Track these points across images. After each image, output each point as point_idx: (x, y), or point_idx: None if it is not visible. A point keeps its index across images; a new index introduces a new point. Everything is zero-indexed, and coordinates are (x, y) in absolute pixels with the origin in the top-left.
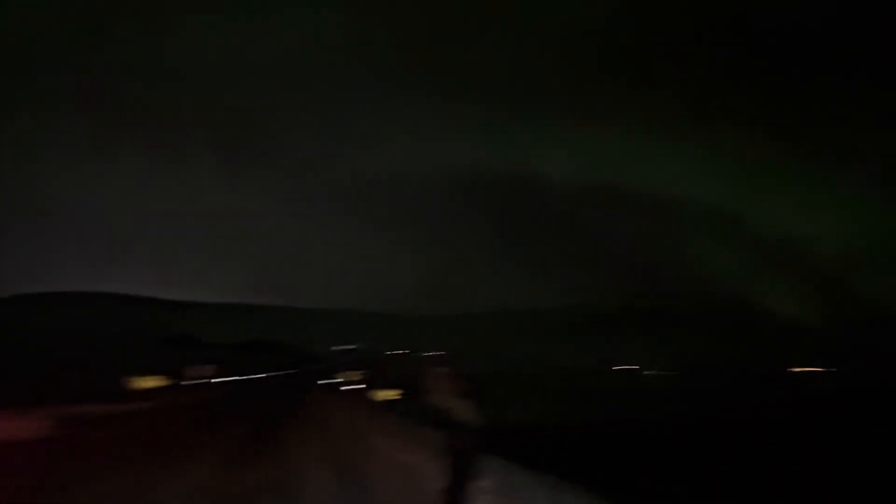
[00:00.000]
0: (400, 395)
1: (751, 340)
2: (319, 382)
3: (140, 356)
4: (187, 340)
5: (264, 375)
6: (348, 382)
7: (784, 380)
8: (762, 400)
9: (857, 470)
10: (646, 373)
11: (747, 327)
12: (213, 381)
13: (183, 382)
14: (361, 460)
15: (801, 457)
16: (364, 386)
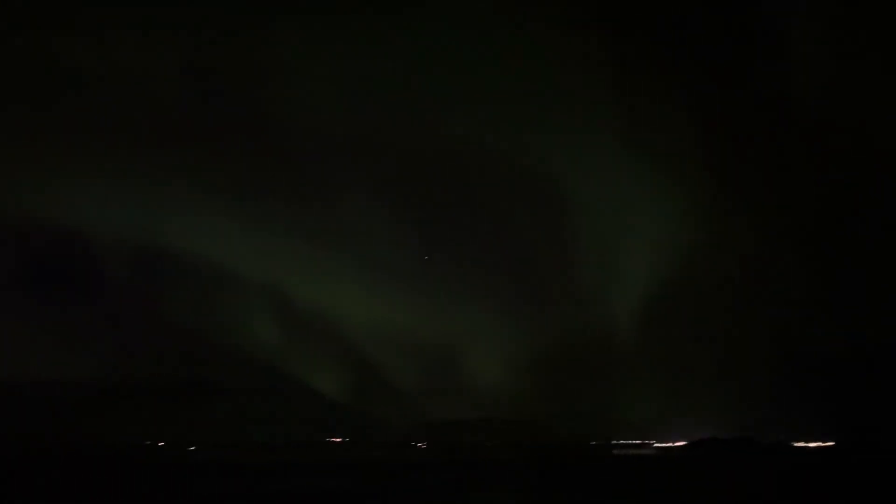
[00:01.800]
0: None
1: (291, 412)
2: None
3: None
4: None
5: None
6: None
7: (321, 449)
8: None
9: None
10: (189, 448)
11: (288, 399)
12: None
13: None
14: None
15: None
16: None
